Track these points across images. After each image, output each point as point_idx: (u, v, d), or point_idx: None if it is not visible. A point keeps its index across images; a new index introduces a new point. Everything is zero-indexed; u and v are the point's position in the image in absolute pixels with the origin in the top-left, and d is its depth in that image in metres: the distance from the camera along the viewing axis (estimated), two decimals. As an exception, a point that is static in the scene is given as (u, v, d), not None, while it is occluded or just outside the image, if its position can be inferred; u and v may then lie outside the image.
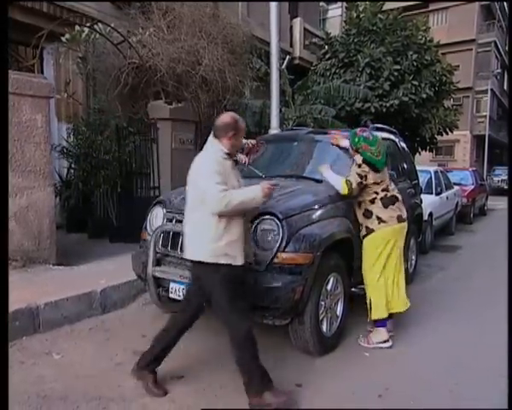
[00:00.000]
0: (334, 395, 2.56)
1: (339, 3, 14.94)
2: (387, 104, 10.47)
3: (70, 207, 6.01)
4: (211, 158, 2.46)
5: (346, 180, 3.19)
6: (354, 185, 3.17)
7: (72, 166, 6.17)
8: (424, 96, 10.76)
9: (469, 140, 26.80)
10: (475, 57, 26.56)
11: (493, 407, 2.35)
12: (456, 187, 9.08)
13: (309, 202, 3.08)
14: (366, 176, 3.19)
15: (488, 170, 24.20)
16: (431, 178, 7.71)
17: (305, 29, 12.53)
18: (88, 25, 5.88)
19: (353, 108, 10.38)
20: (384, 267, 3.22)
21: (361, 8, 11.96)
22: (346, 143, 3.62)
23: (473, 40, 26.09)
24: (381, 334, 3.23)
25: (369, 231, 3.24)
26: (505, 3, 30.62)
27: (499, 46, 29.42)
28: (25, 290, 3.37)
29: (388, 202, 3.26)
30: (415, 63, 10.70)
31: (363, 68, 10.60)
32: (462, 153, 26.46)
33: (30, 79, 4.18)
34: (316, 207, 3.08)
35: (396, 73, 10.48)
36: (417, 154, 12.73)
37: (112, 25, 5.97)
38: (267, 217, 2.82)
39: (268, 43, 6.62)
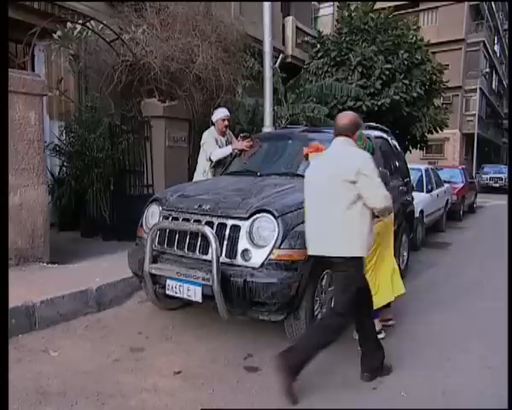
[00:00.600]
0: (329, 389, 2.61)
1: (330, 2, 15.00)
2: (379, 103, 10.55)
3: (62, 205, 5.97)
4: (365, 155, 2.57)
5: None
6: None
7: (65, 164, 6.13)
8: (415, 94, 10.87)
9: (459, 138, 27.13)
10: (464, 57, 26.87)
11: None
12: (446, 185, 9.20)
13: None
14: None
15: (477, 168, 24.51)
16: (422, 175, 7.81)
17: (297, 27, 12.55)
18: (80, 22, 5.85)
19: (345, 106, 10.42)
20: (377, 261, 3.28)
21: (352, 8, 12.03)
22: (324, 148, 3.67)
23: (462, 40, 26.37)
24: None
25: None
26: (493, 4, 31.03)
27: (487, 46, 29.79)
28: (20, 288, 3.37)
29: None
30: (405, 62, 10.80)
31: (355, 67, 10.68)
32: (452, 151, 26.79)
33: (23, 77, 4.16)
34: (311, 204, 3.12)
35: (387, 72, 10.57)
36: (408, 152, 12.86)
37: (104, 22, 5.95)
38: (263, 214, 2.87)
39: (260, 42, 6.65)
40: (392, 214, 3.33)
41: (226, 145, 4.79)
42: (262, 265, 2.79)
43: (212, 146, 4.68)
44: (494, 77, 35.08)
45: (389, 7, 12.53)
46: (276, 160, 4.21)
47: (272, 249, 2.78)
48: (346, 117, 2.72)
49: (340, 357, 3.02)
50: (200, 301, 2.85)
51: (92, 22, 5.89)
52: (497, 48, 35.19)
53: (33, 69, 6.35)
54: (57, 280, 3.79)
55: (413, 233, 5.76)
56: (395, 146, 5.42)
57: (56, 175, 6.23)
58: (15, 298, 3.13)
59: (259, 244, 2.83)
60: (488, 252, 6.80)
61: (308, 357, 2.51)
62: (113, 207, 5.74)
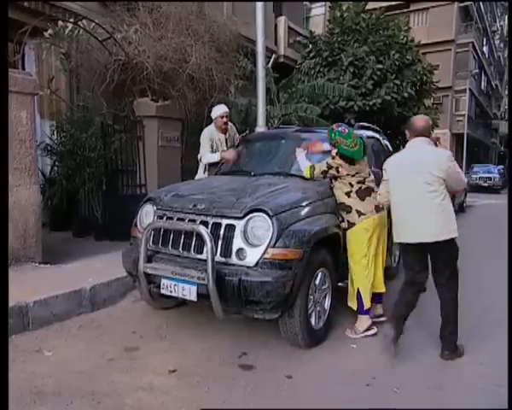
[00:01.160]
0: (323, 385, 2.64)
1: (322, 2, 15.06)
2: (370, 103, 10.62)
3: (54, 205, 5.93)
4: (446, 151, 3.20)
5: (311, 166, 3.45)
6: (317, 171, 3.41)
7: (56, 163, 6.09)
8: (406, 95, 10.95)
9: (449, 138, 27.39)
10: (454, 57, 27.16)
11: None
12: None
13: (298, 199, 3.15)
14: (338, 168, 3.32)
15: (466, 168, 24.78)
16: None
17: (289, 27, 12.59)
18: (71, 21, 5.80)
19: (337, 106, 10.49)
20: (369, 258, 3.32)
21: (344, 8, 12.09)
22: (324, 147, 3.77)
23: (451, 41, 26.67)
24: (364, 321, 3.34)
25: (351, 224, 3.34)
26: (482, 5, 31.41)
27: (476, 47, 30.15)
28: (13, 289, 3.30)
29: (364, 193, 3.36)
30: (397, 63, 10.88)
31: (347, 67, 10.73)
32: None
33: (14, 76, 4.12)
34: (305, 203, 3.15)
35: (379, 72, 10.64)
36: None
37: (96, 21, 5.91)
38: (258, 213, 2.89)
39: (253, 42, 6.65)
40: (385, 209, 3.39)
41: (226, 144, 4.77)
42: (257, 264, 2.80)
43: (205, 148, 4.66)
44: (483, 77, 35.52)
45: (380, 7, 12.61)
46: (269, 159, 4.23)
47: (267, 248, 2.80)
48: (423, 120, 3.14)
49: (335, 355, 3.06)
50: (195, 300, 2.86)
51: (84, 21, 5.84)
52: (485, 49, 35.64)
53: (24, 68, 6.30)
54: (50, 280, 3.77)
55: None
56: (387, 146, 5.47)
57: (48, 175, 6.19)
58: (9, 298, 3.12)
59: (254, 243, 2.84)
60: (478, 250, 6.89)
61: (455, 312, 3.05)
62: (105, 206, 5.72)
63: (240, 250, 2.87)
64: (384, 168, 3.20)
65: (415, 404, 2.47)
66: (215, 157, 4.58)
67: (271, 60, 11.20)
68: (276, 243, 2.81)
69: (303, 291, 2.95)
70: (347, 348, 3.17)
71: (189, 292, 2.87)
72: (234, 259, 2.87)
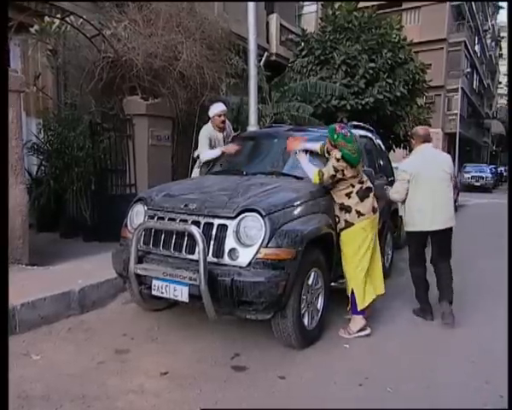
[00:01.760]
0: (316, 386, 2.62)
1: (314, 1, 15.05)
2: (363, 102, 10.62)
3: (41, 205, 5.80)
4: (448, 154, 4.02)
5: (319, 171, 3.31)
6: (326, 176, 3.29)
7: (43, 163, 5.98)
8: (398, 94, 10.97)
9: (441, 138, 27.55)
10: (446, 56, 27.31)
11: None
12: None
13: (291, 199, 3.12)
14: (343, 170, 3.26)
15: (459, 167, 24.94)
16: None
17: (281, 25, 12.56)
18: (59, 16, 5.69)
19: (329, 105, 10.48)
20: (364, 258, 3.31)
21: (336, 6, 12.08)
22: (303, 145, 3.72)
23: (444, 39, 26.81)
24: (358, 322, 3.33)
25: (349, 224, 3.32)
26: (473, 5, 31.63)
27: (468, 46, 30.34)
28: None
29: (364, 194, 3.36)
30: (389, 61, 10.89)
31: (339, 66, 10.72)
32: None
33: (1, 73, 4.04)
34: (297, 203, 3.12)
35: (371, 71, 10.64)
36: (392, 151, 13.00)
37: (84, 17, 5.81)
38: (250, 213, 2.85)
39: (244, 39, 6.60)
40: (373, 213, 3.40)
41: (224, 142, 4.70)
42: (249, 264, 2.77)
43: (204, 146, 4.56)
44: (475, 77, 35.78)
45: (372, 6, 12.63)
46: (261, 159, 4.20)
47: (259, 248, 2.77)
48: (425, 129, 3.89)
49: (328, 355, 3.04)
50: (187, 301, 2.82)
51: (71, 17, 5.73)
52: (477, 48, 35.90)
53: (9, 64, 6.17)
54: (38, 282, 3.70)
55: (397, 232, 5.82)
56: (379, 145, 5.47)
57: (34, 175, 6.07)
58: (-5, 301, 3.04)
59: (246, 243, 2.81)
60: (471, 249, 6.92)
61: (451, 282, 3.69)
62: (94, 207, 5.63)
63: (232, 250, 2.83)
64: (404, 170, 3.70)
65: (408, 404, 2.45)
66: (216, 153, 4.47)
67: (263, 58, 11.16)
68: (268, 242, 2.78)
69: (296, 291, 2.92)
70: (340, 349, 3.15)
71: (181, 293, 2.83)
72: (226, 259, 2.83)
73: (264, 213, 2.83)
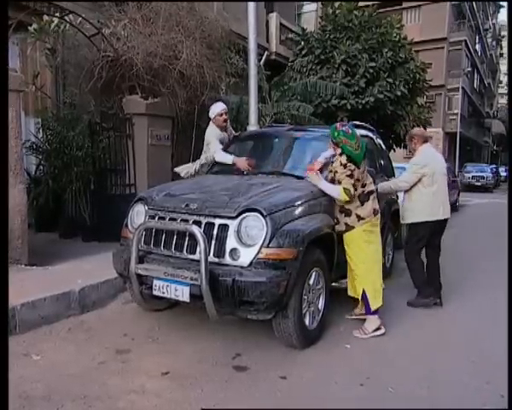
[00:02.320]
0: (317, 386, 2.61)
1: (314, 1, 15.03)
2: (363, 101, 10.61)
3: (39, 205, 5.77)
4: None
5: (344, 188, 3.18)
6: (352, 190, 3.19)
7: (42, 162, 5.95)
8: (399, 93, 10.95)
9: (441, 137, 27.51)
10: (447, 55, 27.27)
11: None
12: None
13: (292, 199, 3.11)
14: (352, 174, 3.22)
15: (459, 167, 24.93)
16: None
17: (281, 24, 12.53)
18: (57, 15, 5.67)
19: (330, 104, 10.47)
20: (370, 258, 3.31)
21: (336, 5, 12.05)
22: (323, 160, 3.54)
23: (444, 38, 26.77)
24: (373, 322, 3.33)
25: (349, 227, 3.30)
26: (474, 4, 31.60)
27: (469, 45, 30.30)
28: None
29: (365, 198, 3.33)
30: (389, 61, 10.88)
31: (340, 65, 10.71)
32: (435, 150, 27.08)
33: (-1, 72, 4.02)
34: (298, 203, 3.11)
35: (371, 70, 10.63)
36: (392, 151, 12.98)
37: (83, 16, 5.79)
38: (251, 213, 2.84)
39: (244, 38, 6.58)
40: (374, 215, 3.38)
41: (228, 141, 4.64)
42: (250, 264, 2.76)
43: (217, 145, 4.42)
44: (476, 76, 35.74)
45: (373, 5, 12.61)
46: (262, 158, 4.18)
47: (261, 248, 2.76)
48: (423, 130, 4.43)
49: (329, 355, 3.03)
50: (188, 301, 2.81)
51: (70, 16, 5.70)
52: (478, 47, 35.84)
53: (7, 63, 6.13)
54: (37, 282, 3.69)
55: (398, 232, 5.80)
56: (380, 145, 5.46)
57: (33, 174, 6.03)
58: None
59: (248, 243, 2.80)
60: (472, 249, 6.93)
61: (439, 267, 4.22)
62: (93, 207, 5.61)
63: (233, 250, 2.82)
64: (424, 164, 3.96)
65: (409, 403, 2.44)
66: (229, 159, 4.25)
67: (264, 57, 11.14)
68: (269, 242, 2.77)
69: (297, 291, 2.91)
70: (341, 348, 3.14)
71: (182, 293, 2.81)
72: (227, 259, 2.82)
73: (265, 213, 2.82)
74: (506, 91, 39.30)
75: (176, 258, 2.99)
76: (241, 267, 2.76)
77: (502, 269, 4.49)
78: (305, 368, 2.82)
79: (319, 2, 14.79)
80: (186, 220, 2.97)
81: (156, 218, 3.16)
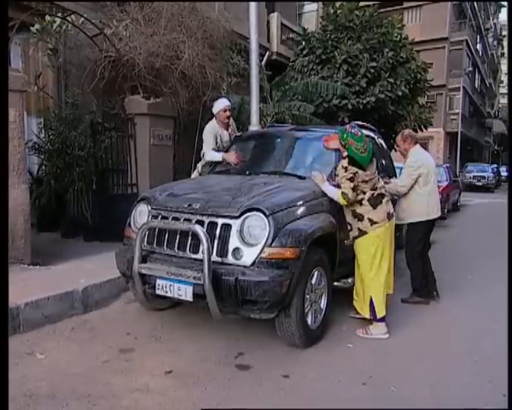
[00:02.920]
0: (320, 385, 2.62)
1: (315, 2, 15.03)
2: (364, 101, 10.58)
3: (41, 205, 5.79)
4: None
5: (341, 192, 3.21)
6: (350, 195, 3.19)
7: (44, 162, 5.96)
8: (400, 93, 10.92)
9: (443, 137, 27.49)
10: (448, 55, 27.24)
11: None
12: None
13: (294, 198, 3.12)
14: (355, 174, 3.21)
15: (460, 167, 24.91)
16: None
17: (282, 24, 12.53)
18: (60, 15, 5.69)
19: (331, 104, 10.44)
20: (381, 265, 3.29)
21: (337, 5, 12.04)
22: (336, 144, 3.56)
23: (445, 38, 26.74)
24: (380, 328, 3.33)
25: (362, 233, 3.28)
26: (475, 3, 31.56)
27: (470, 45, 30.27)
28: (3, 290, 3.27)
29: (376, 201, 3.30)
30: (390, 60, 10.85)
31: (341, 65, 10.68)
32: (436, 150, 27.05)
33: (3, 72, 4.04)
34: (301, 202, 3.13)
35: (372, 70, 10.60)
36: (393, 150, 12.96)
37: (85, 16, 5.80)
38: (254, 213, 2.85)
39: (245, 38, 6.59)
40: (388, 220, 3.38)
41: (230, 140, 4.65)
42: (253, 263, 2.77)
43: (209, 144, 4.49)
44: (477, 76, 35.69)
45: (374, 4, 12.60)
46: (264, 158, 4.20)
47: (263, 248, 2.77)
48: (413, 132, 4.46)
49: (332, 354, 3.04)
50: (191, 300, 2.82)
51: (72, 16, 5.71)
52: (479, 47, 35.79)
53: (10, 64, 6.16)
54: (40, 282, 3.71)
55: (399, 232, 5.80)
56: (381, 145, 5.46)
57: (35, 174, 6.05)
58: (-1, 300, 3.05)
59: (250, 243, 2.81)
60: (473, 249, 6.93)
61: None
62: (95, 206, 5.62)
63: (236, 250, 2.83)
64: (420, 165, 4.03)
65: (411, 403, 2.45)
66: (218, 157, 4.37)
67: (265, 57, 11.15)
68: (272, 242, 2.78)
69: (299, 291, 2.92)
70: (344, 348, 3.15)
71: (185, 292, 2.83)
72: (230, 258, 2.84)
73: (267, 213, 2.83)
74: (507, 91, 39.26)
75: (179, 257, 3.01)
76: (244, 267, 2.78)
77: (502, 269, 4.50)
78: (308, 367, 2.83)
79: (320, 2, 14.79)
80: (189, 220, 2.99)
81: (159, 217, 3.17)
